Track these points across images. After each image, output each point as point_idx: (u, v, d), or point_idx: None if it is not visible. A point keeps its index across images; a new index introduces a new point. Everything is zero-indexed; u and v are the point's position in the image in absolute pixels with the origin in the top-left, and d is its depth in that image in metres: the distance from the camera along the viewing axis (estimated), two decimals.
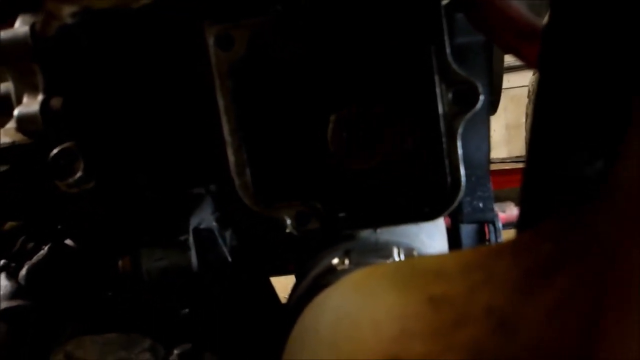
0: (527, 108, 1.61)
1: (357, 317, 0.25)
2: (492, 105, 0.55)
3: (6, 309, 0.55)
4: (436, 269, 0.24)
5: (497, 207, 0.58)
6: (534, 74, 1.61)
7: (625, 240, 0.14)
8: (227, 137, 0.38)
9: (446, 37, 0.34)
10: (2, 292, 0.59)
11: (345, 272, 0.40)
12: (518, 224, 0.25)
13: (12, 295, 0.59)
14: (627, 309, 0.13)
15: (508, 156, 3.33)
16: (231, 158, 0.38)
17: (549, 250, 0.19)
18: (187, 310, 0.52)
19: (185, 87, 0.42)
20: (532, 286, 0.19)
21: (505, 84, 0.66)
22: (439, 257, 0.26)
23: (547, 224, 0.21)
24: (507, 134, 3.45)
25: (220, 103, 0.37)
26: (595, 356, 0.14)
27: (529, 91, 1.57)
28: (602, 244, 0.15)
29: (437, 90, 0.35)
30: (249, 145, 0.37)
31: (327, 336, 0.27)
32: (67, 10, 0.39)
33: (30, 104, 0.43)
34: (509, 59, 0.55)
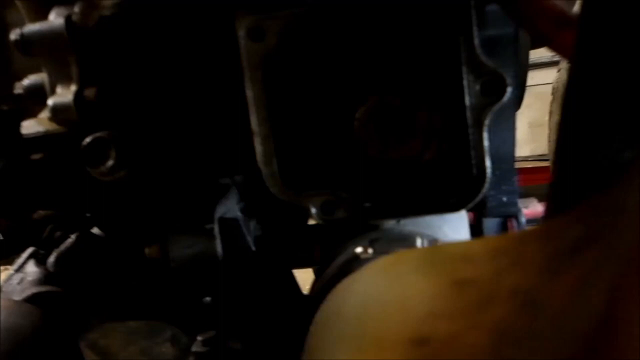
0: (551, 106, 1.59)
1: (384, 299, 0.26)
2: (517, 100, 0.55)
3: (36, 294, 0.56)
4: (463, 254, 0.25)
5: (520, 202, 0.58)
6: (558, 71, 1.58)
7: None
8: (255, 127, 0.38)
9: (475, 29, 0.34)
10: (30, 279, 0.61)
11: (369, 260, 0.40)
12: (547, 211, 0.26)
13: (41, 282, 0.60)
14: None
15: (531, 154, 3.28)
16: (259, 148, 0.39)
17: (577, 232, 0.19)
18: (211, 298, 0.53)
19: (215, 78, 0.43)
20: (558, 266, 0.19)
21: (528, 81, 0.66)
22: (465, 243, 0.26)
23: (576, 209, 0.21)
24: (530, 132, 3.41)
25: (249, 94, 0.38)
26: (614, 335, 0.14)
27: (553, 88, 1.55)
28: (628, 224, 0.16)
29: (465, 82, 0.35)
30: (276, 135, 0.38)
31: (353, 317, 0.27)
32: (108, 2, 0.40)
33: (64, 94, 0.45)
34: (533, 56, 0.55)
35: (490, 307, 0.21)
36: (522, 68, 0.52)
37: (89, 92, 0.43)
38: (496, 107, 0.35)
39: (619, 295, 0.14)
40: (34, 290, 0.58)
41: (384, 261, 0.30)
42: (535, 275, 0.20)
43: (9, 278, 0.63)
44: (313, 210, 0.39)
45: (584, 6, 0.23)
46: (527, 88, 0.62)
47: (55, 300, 0.56)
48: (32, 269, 0.63)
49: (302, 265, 0.61)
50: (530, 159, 3.26)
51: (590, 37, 0.23)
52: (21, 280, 0.60)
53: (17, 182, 0.48)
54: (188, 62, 0.44)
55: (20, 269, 0.63)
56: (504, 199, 0.52)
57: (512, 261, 0.22)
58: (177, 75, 0.44)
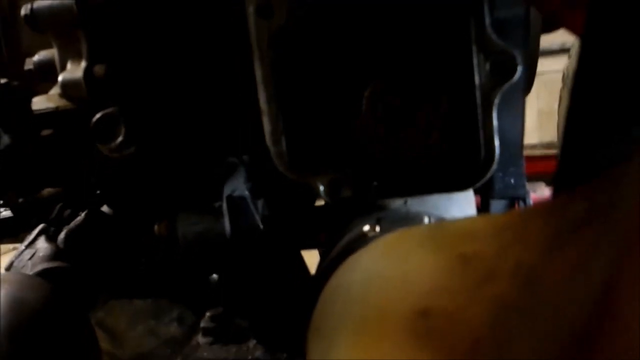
0: (560, 92, 1.57)
1: (388, 274, 0.26)
2: (527, 85, 0.54)
3: (47, 269, 0.57)
4: (468, 229, 0.25)
5: (528, 186, 0.58)
6: (569, 58, 1.56)
7: None
8: (264, 106, 0.38)
9: (486, 8, 0.34)
10: (41, 254, 0.62)
11: (376, 238, 0.40)
12: (553, 188, 0.26)
13: (52, 257, 0.61)
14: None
15: (539, 142, 3.26)
16: (267, 127, 0.39)
17: (579, 210, 0.19)
18: (218, 275, 0.54)
19: (224, 55, 0.43)
20: (560, 243, 0.19)
21: (538, 69, 0.65)
22: (471, 219, 0.26)
23: (579, 188, 0.21)
24: (538, 120, 3.38)
25: (258, 72, 0.38)
26: (611, 312, 0.15)
27: (564, 75, 1.53)
28: (627, 205, 0.16)
29: (475, 60, 0.35)
30: (284, 113, 0.38)
31: (358, 292, 0.28)
32: None
33: (74, 71, 0.45)
34: (543, 43, 0.54)
35: (492, 282, 0.21)
36: (533, 52, 0.52)
37: (99, 69, 0.43)
38: (505, 86, 0.35)
39: (616, 273, 0.15)
40: (45, 265, 0.59)
41: (389, 238, 0.30)
42: (537, 252, 0.20)
43: (20, 253, 0.64)
44: (320, 189, 0.39)
45: None
46: (537, 75, 0.61)
47: (64, 275, 0.57)
48: (42, 244, 0.64)
49: (309, 245, 0.61)
50: (538, 146, 3.23)
51: (599, 16, 0.22)
52: (32, 256, 0.61)
53: (27, 158, 0.49)
54: (197, 39, 0.44)
55: (31, 244, 0.64)
56: (512, 180, 0.52)
57: (515, 237, 0.22)
58: (186, 52, 0.44)
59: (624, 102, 0.21)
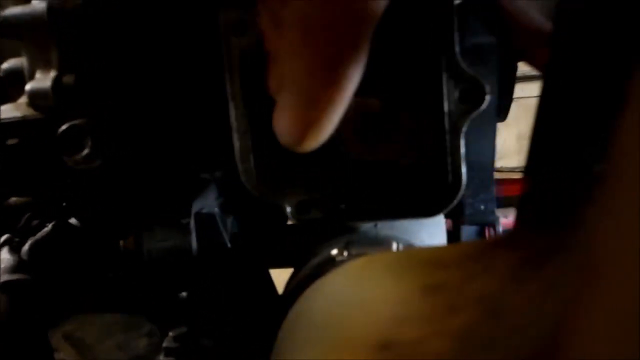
0: None
1: (351, 302, 0.26)
2: (503, 111, 0.55)
3: (7, 282, 0.55)
4: (434, 258, 0.25)
5: (500, 212, 0.58)
6: None
7: (608, 237, 0.14)
8: (234, 122, 0.38)
9: (456, 35, 0.34)
10: (3, 266, 0.60)
11: (343, 263, 0.40)
12: (516, 219, 0.26)
13: (14, 269, 0.59)
14: (598, 309, 0.13)
15: (518, 165, 3.31)
16: (236, 144, 0.38)
17: (542, 243, 0.19)
18: (184, 293, 0.53)
19: (196, 71, 0.43)
20: (523, 275, 0.19)
21: (519, 93, 0.66)
22: (437, 248, 0.26)
23: (543, 220, 0.21)
24: (518, 144, 3.44)
25: (229, 89, 0.38)
26: (563, 349, 0.14)
27: None
28: (591, 239, 0.16)
29: (444, 88, 0.35)
30: (254, 131, 0.37)
31: (320, 321, 0.27)
32: None
33: (42, 80, 0.44)
34: (524, 68, 0.55)
35: (456, 314, 0.21)
36: (509, 78, 0.52)
37: (68, 79, 0.43)
38: (474, 114, 0.35)
39: (568, 311, 0.14)
40: (5, 277, 0.57)
41: (354, 263, 0.29)
42: (501, 282, 0.20)
43: None
44: (288, 209, 0.39)
45: (555, 24, 0.23)
46: (517, 100, 0.62)
47: (25, 288, 0.55)
48: (5, 256, 0.62)
49: (278, 265, 0.60)
50: (517, 169, 3.28)
51: (561, 55, 0.23)
52: None
53: None
54: (168, 54, 0.44)
55: None
56: (482, 207, 0.52)
57: (481, 267, 0.22)
58: (157, 66, 0.43)
59: (585, 140, 0.21)
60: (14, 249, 0.63)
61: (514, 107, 0.61)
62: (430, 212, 0.37)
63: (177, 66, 0.44)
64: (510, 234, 0.24)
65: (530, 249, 0.21)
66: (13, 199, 0.67)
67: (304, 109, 0.27)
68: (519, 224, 0.25)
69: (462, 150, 0.36)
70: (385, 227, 0.47)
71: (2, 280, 0.57)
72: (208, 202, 0.51)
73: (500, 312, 0.19)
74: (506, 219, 0.68)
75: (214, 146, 0.44)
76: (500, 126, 0.54)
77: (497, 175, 0.57)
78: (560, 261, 0.17)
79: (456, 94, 0.35)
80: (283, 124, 0.28)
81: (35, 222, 0.66)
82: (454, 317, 0.21)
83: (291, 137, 0.28)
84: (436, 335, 0.21)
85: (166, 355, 0.51)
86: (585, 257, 0.15)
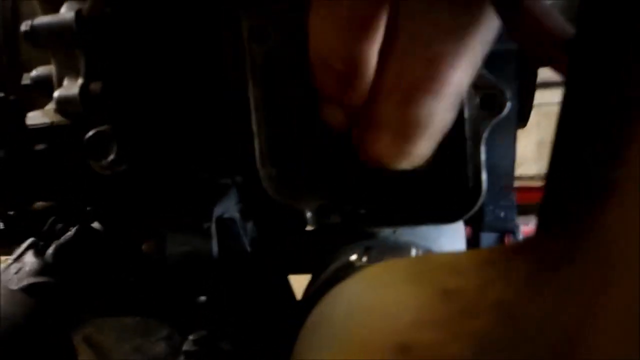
0: None
1: (370, 307, 0.26)
2: (523, 117, 0.55)
3: (32, 284, 0.56)
4: (452, 264, 0.25)
5: (521, 219, 0.58)
6: None
7: (623, 243, 0.14)
8: (255, 128, 0.39)
9: None
10: (28, 269, 0.61)
11: (362, 268, 0.40)
12: (537, 225, 0.26)
13: (39, 272, 0.61)
14: (613, 314, 0.13)
15: (537, 173, 3.27)
16: (257, 149, 0.39)
17: (560, 249, 0.19)
18: (204, 297, 0.53)
19: (219, 77, 0.44)
20: (540, 281, 0.19)
21: (538, 100, 0.65)
22: (455, 254, 0.26)
23: (563, 226, 0.21)
24: (537, 151, 3.40)
25: (251, 95, 0.38)
26: (579, 354, 0.15)
27: None
28: (605, 244, 0.16)
29: (465, 94, 0.35)
30: (275, 137, 0.38)
31: (340, 325, 0.27)
32: None
33: (70, 87, 0.45)
34: (544, 75, 0.54)
35: (473, 319, 0.21)
36: (528, 84, 0.52)
37: (95, 86, 0.44)
38: (494, 121, 0.35)
39: (586, 316, 0.15)
40: (31, 280, 0.59)
41: (373, 269, 0.30)
42: (518, 288, 0.20)
43: (7, 267, 0.64)
44: (308, 214, 0.39)
45: (577, 28, 0.23)
46: (537, 107, 0.61)
47: (50, 291, 0.56)
48: (30, 259, 0.63)
49: (297, 271, 0.61)
50: (536, 177, 3.24)
51: (583, 59, 0.23)
52: (19, 270, 0.61)
53: (20, 172, 0.49)
54: (192, 61, 0.45)
55: (18, 258, 0.64)
56: (502, 214, 0.52)
57: (499, 273, 0.22)
58: (181, 73, 0.44)
59: (603, 146, 0.21)
60: (39, 252, 0.65)
61: (534, 114, 0.60)
62: (450, 219, 0.37)
63: (201, 73, 0.45)
64: (528, 241, 0.24)
65: (547, 255, 0.21)
66: (38, 204, 0.69)
67: (404, 143, 0.30)
68: (538, 230, 0.25)
69: (483, 156, 0.36)
70: (404, 233, 0.47)
71: (27, 283, 0.58)
72: (229, 207, 0.51)
73: (517, 318, 0.19)
74: (526, 226, 0.68)
75: (236, 152, 0.45)
76: (520, 133, 0.53)
77: (517, 183, 0.57)
78: (576, 266, 0.17)
79: (477, 100, 0.35)
80: (380, 151, 0.31)
81: (59, 226, 0.68)
82: (471, 322, 0.21)
83: (387, 161, 0.32)
84: (453, 340, 0.21)
85: (186, 358, 0.52)
86: (600, 263, 0.16)
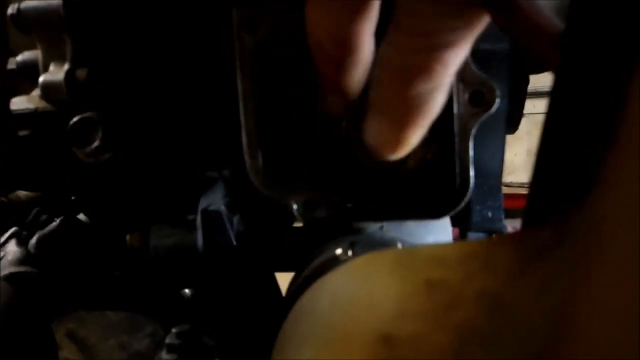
0: None
1: (354, 298, 0.26)
2: (514, 122, 0.55)
3: (13, 274, 0.56)
4: (436, 256, 0.25)
5: (508, 222, 0.58)
6: None
7: (606, 232, 0.14)
8: (243, 119, 0.38)
9: None
10: (10, 258, 0.60)
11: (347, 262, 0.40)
12: (522, 221, 0.26)
13: (20, 262, 0.60)
14: (596, 299, 0.13)
15: (527, 181, 3.29)
16: (245, 141, 0.38)
17: (544, 238, 0.19)
18: (188, 291, 0.53)
19: (206, 68, 0.43)
20: (524, 270, 0.19)
21: (530, 109, 0.66)
22: (440, 246, 0.26)
23: (549, 216, 0.21)
24: (528, 159, 3.42)
25: (240, 86, 0.38)
26: (565, 341, 0.14)
27: None
28: (591, 233, 0.16)
29: (454, 89, 0.35)
30: (263, 128, 0.38)
31: (323, 316, 0.27)
32: None
33: (56, 73, 0.45)
34: (535, 84, 0.54)
35: (457, 309, 0.21)
36: (520, 89, 0.52)
37: (80, 73, 0.43)
38: (483, 117, 0.35)
39: (570, 300, 0.14)
40: (12, 269, 0.58)
41: (357, 261, 0.29)
42: (501, 278, 0.20)
43: None
44: (294, 208, 0.39)
45: (567, 23, 0.23)
46: (528, 116, 0.61)
47: (31, 281, 0.55)
48: (12, 248, 0.62)
49: (283, 268, 0.60)
50: (526, 185, 3.26)
51: (572, 54, 0.23)
52: (0, 259, 0.60)
53: (2, 158, 0.48)
54: (180, 50, 0.44)
55: (0, 247, 0.63)
56: (489, 214, 0.52)
57: (482, 265, 0.22)
58: (168, 62, 0.44)
59: (589, 138, 0.21)
60: (22, 242, 0.64)
61: (525, 123, 0.60)
62: (437, 214, 0.37)
63: (189, 63, 0.44)
64: (513, 234, 0.24)
65: (531, 246, 0.20)
66: (23, 194, 0.68)
67: (401, 131, 0.31)
68: (523, 225, 0.25)
69: (471, 153, 0.36)
70: (391, 230, 0.47)
71: (8, 272, 0.57)
72: (215, 200, 0.51)
73: (501, 307, 0.19)
74: (513, 228, 0.68)
75: (222, 143, 0.45)
76: (510, 141, 0.54)
77: (506, 190, 0.57)
78: (560, 254, 0.17)
79: (466, 96, 0.35)
80: (378, 140, 0.32)
81: (43, 217, 0.67)
82: (454, 312, 0.21)
83: (385, 150, 0.32)
84: (437, 330, 0.21)
85: (168, 352, 0.51)
86: (583, 251, 0.15)
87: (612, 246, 0.13)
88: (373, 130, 0.32)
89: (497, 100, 0.35)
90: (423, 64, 0.29)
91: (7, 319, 0.46)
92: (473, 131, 0.36)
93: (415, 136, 0.32)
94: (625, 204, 0.13)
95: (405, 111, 0.31)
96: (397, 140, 0.32)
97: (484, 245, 0.24)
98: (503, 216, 0.54)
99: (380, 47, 0.31)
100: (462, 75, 0.35)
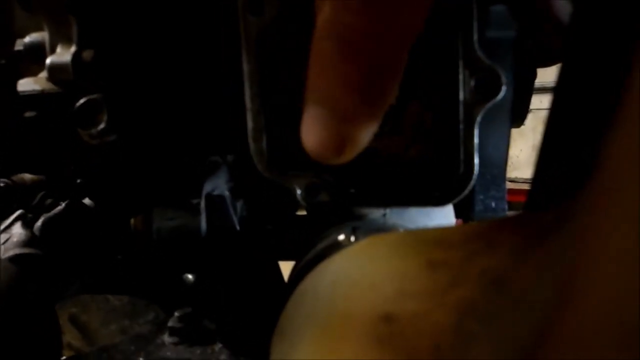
0: None
1: (356, 279, 0.26)
2: (520, 115, 0.54)
3: (18, 255, 0.56)
4: (439, 238, 0.25)
5: (512, 214, 0.58)
6: None
7: (607, 214, 0.14)
8: (248, 102, 0.38)
9: (475, 24, 0.34)
10: (16, 240, 0.60)
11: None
12: (525, 205, 0.26)
13: (25, 244, 0.60)
14: (599, 278, 0.13)
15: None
16: (249, 124, 0.39)
17: (550, 219, 0.19)
18: (191, 276, 0.53)
19: (212, 50, 0.43)
20: (525, 250, 0.19)
21: (537, 105, 0.65)
22: (442, 228, 0.26)
23: (551, 200, 0.21)
24: (533, 155, 3.41)
25: (245, 68, 0.38)
26: (564, 320, 0.15)
27: None
28: (592, 214, 0.16)
29: (460, 76, 0.35)
30: (267, 111, 0.38)
31: (325, 295, 0.27)
32: None
33: (62, 54, 0.45)
34: (542, 79, 0.54)
35: (458, 288, 0.21)
36: (526, 80, 0.52)
37: (87, 54, 0.43)
38: (489, 104, 0.35)
39: (571, 280, 0.14)
40: (17, 251, 0.58)
41: (359, 244, 0.30)
42: (504, 257, 0.20)
43: None
44: (297, 192, 0.39)
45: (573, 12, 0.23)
46: (534, 112, 0.61)
47: (36, 262, 0.56)
48: (18, 230, 0.63)
49: (285, 256, 0.60)
50: (530, 181, 3.25)
51: (577, 42, 0.23)
52: (6, 241, 0.60)
53: (8, 139, 0.48)
54: (185, 32, 0.44)
55: (6, 229, 0.63)
56: (492, 204, 0.52)
57: (484, 245, 0.22)
58: (174, 44, 0.44)
59: (590, 127, 0.21)
60: (27, 224, 0.64)
61: (530, 119, 0.60)
62: (440, 201, 0.37)
63: (194, 45, 0.44)
64: (516, 216, 0.24)
65: (533, 227, 0.21)
66: (28, 177, 0.68)
67: (340, 124, 0.24)
68: (526, 207, 0.25)
69: (476, 140, 0.36)
70: (393, 216, 0.47)
71: (13, 253, 0.57)
72: (219, 185, 0.51)
73: (502, 286, 0.19)
74: None
75: (227, 128, 0.45)
76: (515, 137, 0.53)
77: (511, 186, 0.57)
78: (561, 235, 0.17)
79: (472, 83, 0.35)
80: (314, 139, 0.25)
81: (49, 200, 0.67)
82: (455, 291, 0.21)
83: (325, 151, 0.25)
84: (437, 308, 0.21)
85: (170, 334, 0.52)
86: (584, 232, 0.16)
87: (613, 229, 0.13)
88: (308, 128, 0.25)
89: (504, 88, 0.35)
90: (367, 29, 0.23)
91: (11, 298, 0.47)
92: (478, 119, 0.35)
93: (362, 133, 0.24)
94: (624, 187, 0.13)
95: (346, 99, 0.24)
96: (339, 139, 0.24)
97: (485, 226, 0.24)
98: (506, 207, 0.54)
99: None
100: (468, 62, 0.35)
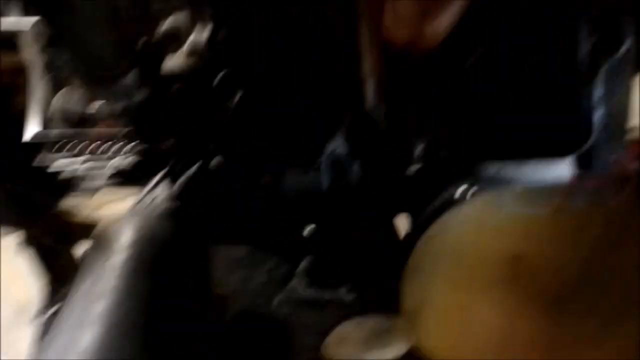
0: None
1: (483, 224, 0.28)
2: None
3: (168, 210, 0.64)
4: (560, 189, 0.27)
5: None
6: None
7: None
8: (369, 67, 0.41)
9: None
10: (161, 198, 0.69)
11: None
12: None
13: (170, 201, 0.68)
14: None
15: None
16: (371, 88, 0.41)
17: None
18: (313, 226, 0.58)
19: (331, 22, 0.46)
20: None
21: None
22: (565, 183, 0.28)
23: None
24: None
25: (364, 38, 0.40)
26: None
27: None
28: None
29: (582, 32, 0.35)
30: (389, 76, 0.40)
31: (452, 241, 0.30)
32: None
33: (199, 34, 0.50)
34: None
35: (585, 230, 0.23)
36: None
37: (221, 34, 0.48)
38: (611, 60, 0.35)
39: None
40: (167, 205, 0.66)
41: (484, 196, 0.32)
42: (628, 201, 0.22)
43: (142, 198, 0.72)
44: (417, 150, 0.41)
45: None
46: None
47: (183, 216, 0.63)
48: (162, 190, 0.71)
49: (403, 210, 0.63)
50: None
51: None
52: (152, 200, 0.69)
53: (157, 111, 0.55)
54: (308, 10, 0.47)
55: (151, 190, 0.72)
56: (613, 156, 0.51)
57: (607, 194, 0.23)
58: (297, 18, 0.47)
59: None
60: (169, 183, 0.72)
61: None
62: (560, 154, 0.38)
63: (315, 21, 0.47)
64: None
65: None
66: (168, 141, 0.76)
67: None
68: None
69: (597, 95, 0.36)
70: (508, 173, 0.48)
71: (162, 209, 0.65)
72: (339, 146, 0.55)
73: (627, 225, 0.21)
74: None
75: (348, 93, 0.48)
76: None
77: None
78: None
79: (593, 39, 0.35)
80: (404, 16, 0.29)
81: (179, 166, 0.75)
82: (582, 233, 0.23)
83: (410, 33, 0.29)
84: (563, 249, 0.23)
85: (300, 280, 0.57)
86: None
87: None
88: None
89: (628, 41, 0.34)
90: None
91: (177, 247, 0.54)
92: (600, 74, 0.35)
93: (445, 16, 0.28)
94: None
95: None
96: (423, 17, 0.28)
97: (607, 177, 0.25)
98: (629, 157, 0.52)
99: None
100: (590, 18, 0.35)
